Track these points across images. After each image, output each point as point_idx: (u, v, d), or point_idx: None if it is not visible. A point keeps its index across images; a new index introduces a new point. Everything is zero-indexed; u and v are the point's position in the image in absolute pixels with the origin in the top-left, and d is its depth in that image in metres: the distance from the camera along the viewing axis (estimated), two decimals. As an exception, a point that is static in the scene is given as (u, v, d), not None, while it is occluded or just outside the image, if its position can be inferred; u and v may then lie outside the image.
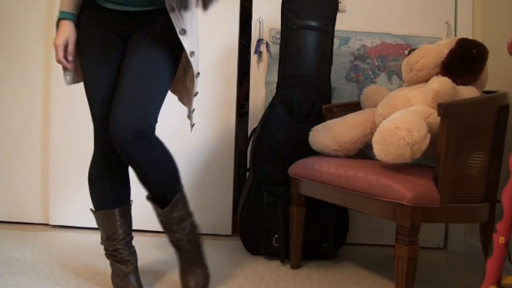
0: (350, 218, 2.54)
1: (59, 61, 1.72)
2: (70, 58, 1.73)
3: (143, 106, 1.60)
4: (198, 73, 1.76)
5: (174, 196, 1.72)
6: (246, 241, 2.42)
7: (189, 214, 1.81)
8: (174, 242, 1.82)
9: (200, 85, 2.71)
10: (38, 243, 2.46)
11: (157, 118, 1.66)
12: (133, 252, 1.86)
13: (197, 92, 1.82)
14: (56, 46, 1.68)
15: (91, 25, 1.74)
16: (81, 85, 2.71)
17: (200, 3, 1.59)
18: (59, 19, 1.71)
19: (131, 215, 1.88)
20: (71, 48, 1.71)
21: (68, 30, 1.70)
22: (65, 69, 1.77)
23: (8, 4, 2.79)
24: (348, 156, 2.14)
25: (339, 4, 2.59)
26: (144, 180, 1.68)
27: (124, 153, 1.59)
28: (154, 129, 1.64)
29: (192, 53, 1.68)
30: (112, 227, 1.80)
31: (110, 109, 1.67)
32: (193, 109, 1.86)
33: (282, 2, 2.38)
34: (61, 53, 1.69)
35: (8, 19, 2.79)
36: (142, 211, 2.55)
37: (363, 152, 2.22)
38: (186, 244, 1.80)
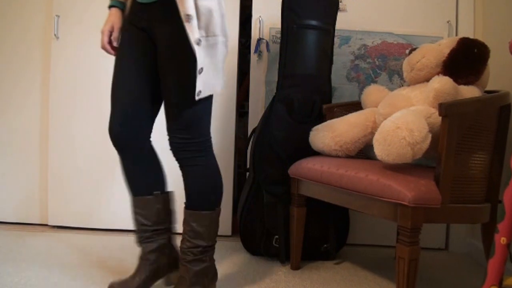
0: (350, 219, 2.53)
1: (103, 47, 1.77)
2: (114, 43, 1.78)
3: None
4: (202, 68, 1.61)
5: (202, 209, 1.73)
6: (246, 241, 2.41)
7: (207, 246, 1.76)
8: (180, 248, 1.78)
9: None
10: (37, 244, 2.45)
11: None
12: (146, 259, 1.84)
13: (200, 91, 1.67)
14: (102, 33, 1.76)
15: (126, 23, 1.77)
16: (79, 85, 2.73)
17: None
18: (109, 7, 1.79)
19: (152, 209, 1.84)
20: (115, 34, 1.77)
21: (114, 17, 1.77)
22: None
23: (7, 4, 2.78)
24: (348, 156, 2.13)
25: (340, 3, 2.58)
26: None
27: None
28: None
29: (201, 69, 1.59)
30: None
31: (132, 112, 1.73)
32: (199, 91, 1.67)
33: (283, 1, 2.37)
34: (105, 39, 1.75)
35: (7, 19, 2.78)
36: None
37: (363, 152, 2.21)
38: (187, 263, 1.74)
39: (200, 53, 1.56)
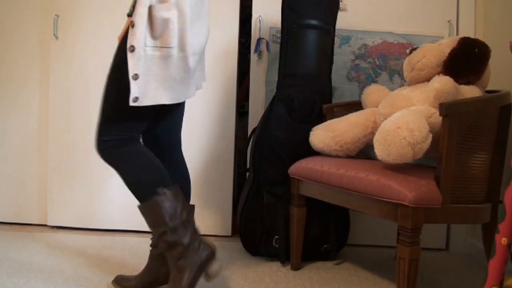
0: (351, 219, 2.52)
1: None
2: None
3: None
4: (135, 75, 1.58)
5: (145, 199, 1.69)
6: (246, 242, 2.40)
7: (174, 227, 1.67)
8: (153, 245, 1.82)
9: (199, 84, 2.71)
10: (36, 244, 2.44)
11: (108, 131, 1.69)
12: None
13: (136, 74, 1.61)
14: (118, 40, 1.81)
15: None
16: (78, 86, 2.72)
17: None
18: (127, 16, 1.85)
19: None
20: None
21: (127, 25, 1.79)
22: None
23: (5, 4, 2.77)
24: (349, 156, 2.12)
25: (340, 3, 2.57)
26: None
27: None
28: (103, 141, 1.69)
29: (135, 75, 1.58)
30: None
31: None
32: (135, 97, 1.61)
33: (283, 0, 2.36)
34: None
35: (6, 18, 2.78)
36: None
37: (364, 152, 2.20)
38: (167, 252, 1.70)
39: (135, 60, 1.55)
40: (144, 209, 1.69)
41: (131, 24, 1.56)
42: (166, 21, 1.58)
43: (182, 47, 1.63)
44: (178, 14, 1.60)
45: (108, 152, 1.68)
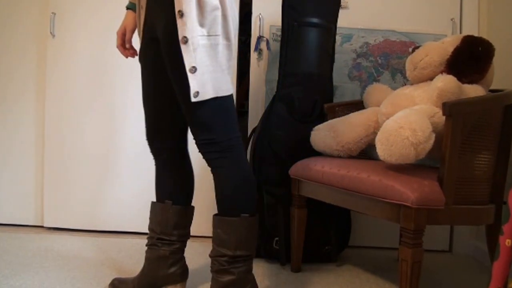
0: (352, 220, 2.50)
1: (117, 48, 1.82)
2: (127, 45, 1.81)
3: None
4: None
5: (226, 215, 1.61)
6: (246, 243, 2.38)
7: (234, 256, 1.58)
8: (209, 255, 1.69)
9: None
10: (32, 246, 2.42)
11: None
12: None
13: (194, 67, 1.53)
14: (116, 34, 1.81)
15: (143, 34, 1.75)
16: (75, 85, 2.70)
17: None
18: (126, 8, 1.82)
19: (159, 217, 1.82)
20: (128, 35, 1.80)
21: (127, 19, 1.80)
22: None
23: (1, 1, 2.76)
24: (350, 156, 2.11)
25: (341, 1, 2.54)
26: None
27: None
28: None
29: (193, 68, 1.51)
30: None
31: (155, 126, 1.79)
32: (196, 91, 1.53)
33: (283, -2, 2.35)
34: (118, 41, 1.80)
35: (1, 16, 2.76)
36: (145, 213, 2.52)
37: (366, 152, 2.18)
38: (214, 273, 1.62)
39: (190, 52, 1.48)
40: (219, 224, 1.61)
41: (180, 14, 1.47)
42: (214, 8, 1.52)
43: (226, 35, 1.57)
44: (220, 0, 1.54)
45: (226, 155, 1.60)
